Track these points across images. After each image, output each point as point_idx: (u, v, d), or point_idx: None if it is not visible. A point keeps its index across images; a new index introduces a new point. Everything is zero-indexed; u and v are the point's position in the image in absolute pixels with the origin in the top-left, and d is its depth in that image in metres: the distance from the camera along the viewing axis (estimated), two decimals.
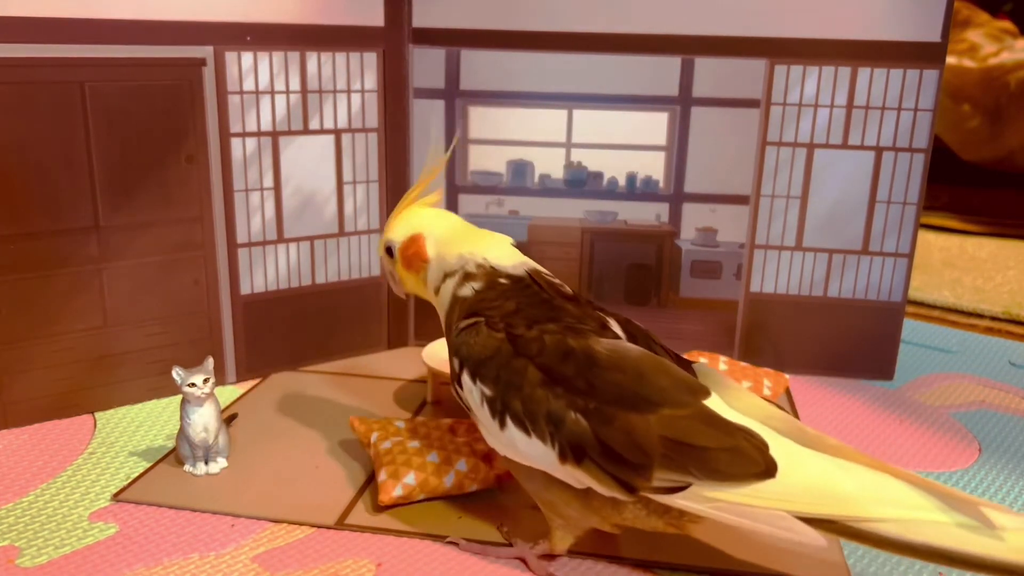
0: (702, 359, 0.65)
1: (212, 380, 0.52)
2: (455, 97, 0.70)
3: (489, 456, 0.50)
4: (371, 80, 0.67)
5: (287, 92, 0.64)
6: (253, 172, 0.64)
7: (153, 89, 0.59)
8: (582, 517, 0.42)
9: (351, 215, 0.69)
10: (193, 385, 0.51)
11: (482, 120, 0.70)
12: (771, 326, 0.70)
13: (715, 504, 0.38)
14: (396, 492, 0.48)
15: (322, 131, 0.66)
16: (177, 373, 0.51)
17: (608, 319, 0.44)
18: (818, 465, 0.39)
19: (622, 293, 0.72)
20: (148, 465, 0.53)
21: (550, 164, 0.71)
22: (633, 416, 0.39)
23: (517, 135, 0.70)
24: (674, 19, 0.66)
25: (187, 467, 0.52)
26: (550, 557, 0.44)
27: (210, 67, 0.61)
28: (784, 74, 0.65)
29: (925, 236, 1.20)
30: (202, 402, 0.51)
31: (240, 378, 0.67)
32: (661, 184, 0.70)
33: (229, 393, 0.64)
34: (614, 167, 0.70)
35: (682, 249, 0.70)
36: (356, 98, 0.67)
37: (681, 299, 0.71)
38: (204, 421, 0.51)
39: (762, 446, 0.38)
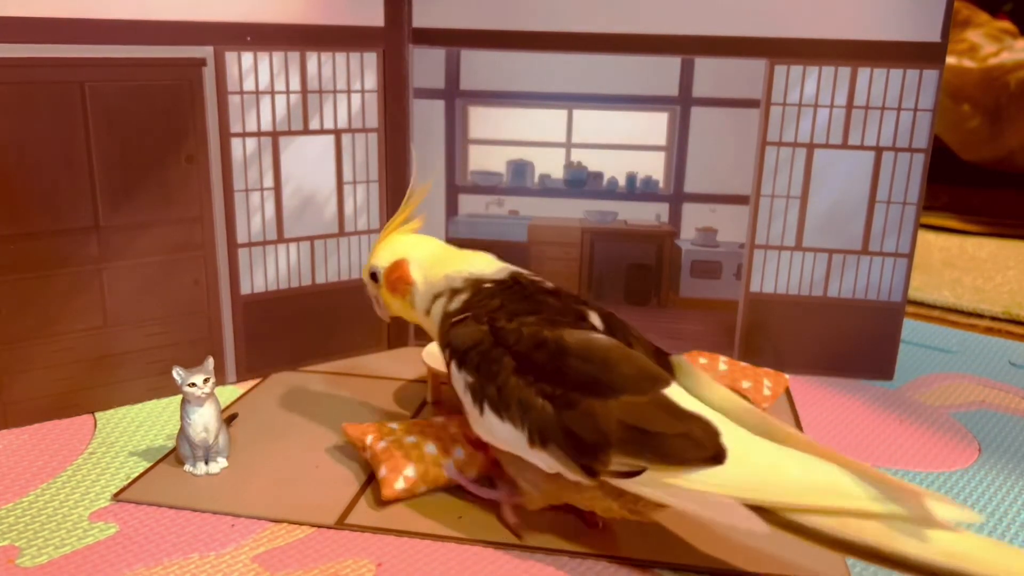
0: (702, 359, 0.65)
1: (212, 380, 0.52)
2: (455, 97, 0.70)
3: (481, 443, 0.51)
4: (371, 80, 0.67)
5: (287, 92, 0.64)
6: (253, 172, 0.64)
7: (153, 89, 0.59)
8: (555, 496, 0.45)
9: (351, 215, 0.69)
10: (193, 385, 0.51)
11: (482, 120, 0.70)
12: (771, 326, 0.70)
13: (668, 489, 0.40)
14: (398, 485, 0.48)
15: (322, 131, 0.66)
16: (177, 373, 0.51)
17: (589, 312, 0.46)
18: (768, 453, 0.40)
19: (622, 293, 0.72)
20: (148, 465, 0.53)
21: (550, 164, 0.71)
22: (595, 402, 0.41)
23: (517, 135, 0.70)
24: (674, 19, 0.66)
25: (187, 467, 0.53)
26: (521, 509, 0.47)
27: (210, 67, 0.61)
28: (784, 74, 0.66)
29: (925, 236, 1.20)
30: (202, 402, 0.51)
31: (240, 378, 0.67)
32: (661, 184, 0.70)
33: (229, 393, 0.64)
34: (614, 167, 0.70)
35: (682, 249, 0.70)
36: (356, 98, 0.67)
37: (681, 299, 0.71)
38: (204, 421, 0.51)
39: (713, 433, 0.40)
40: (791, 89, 0.66)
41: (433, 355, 0.63)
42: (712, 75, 0.67)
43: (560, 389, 0.42)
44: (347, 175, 0.68)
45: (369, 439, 0.52)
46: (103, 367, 0.60)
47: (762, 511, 0.38)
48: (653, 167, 0.70)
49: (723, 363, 0.66)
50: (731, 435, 0.40)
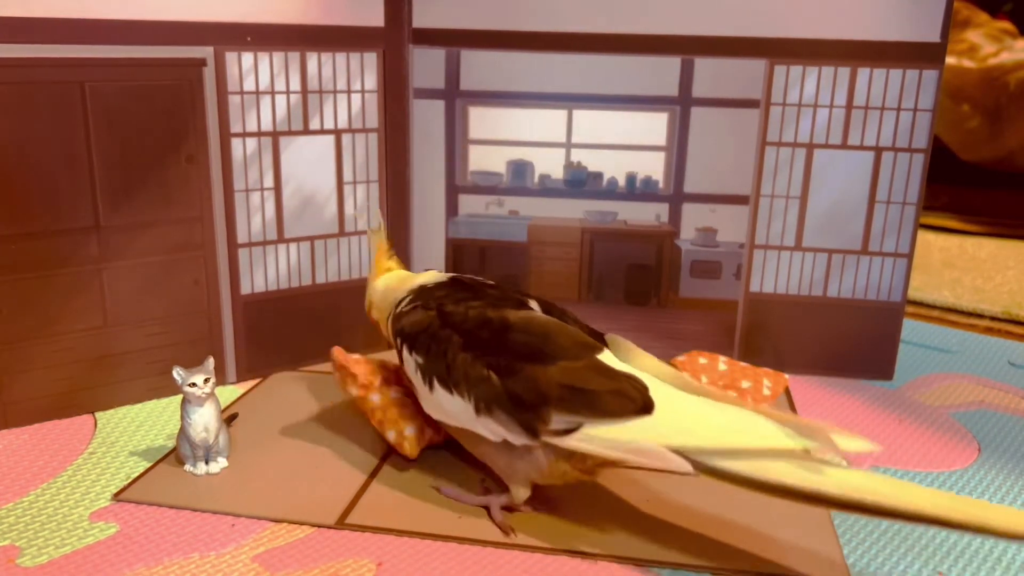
0: (702, 359, 0.66)
1: (212, 380, 0.52)
2: (455, 97, 0.70)
3: (432, 420, 0.54)
4: (371, 80, 0.67)
5: (287, 92, 0.64)
6: (253, 172, 0.64)
7: (153, 89, 0.59)
8: (511, 467, 0.47)
9: (351, 215, 0.69)
10: (193, 385, 0.51)
11: (482, 120, 0.70)
12: (771, 326, 0.70)
13: (605, 442, 0.43)
14: (412, 437, 0.53)
15: (322, 131, 0.66)
16: (177, 373, 0.51)
17: (528, 300, 0.51)
18: (692, 404, 0.44)
19: (622, 293, 0.72)
20: (148, 465, 0.53)
21: (550, 164, 0.71)
22: (536, 368, 0.45)
23: (517, 135, 0.70)
24: (674, 19, 0.66)
25: (187, 467, 0.53)
26: (511, 509, 0.49)
27: (210, 67, 0.61)
28: (784, 74, 0.66)
29: (925, 236, 1.20)
30: (202, 402, 0.51)
31: (240, 378, 0.67)
32: (661, 184, 0.70)
33: (229, 393, 0.64)
34: (614, 167, 0.70)
35: (682, 249, 0.70)
36: (356, 98, 0.67)
37: (681, 299, 0.71)
38: (204, 421, 0.51)
39: (642, 388, 0.44)
40: (791, 89, 0.66)
41: None
42: (712, 75, 0.67)
43: (504, 360, 0.46)
44: (347, 175, 0.68)
45: (354, 390, 0.55)
46: (103, 367, 0.60)
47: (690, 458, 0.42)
48: (653, 167, 0.70)
49: (723, 363, 0.66)
50: (659, 391, 0.44)
